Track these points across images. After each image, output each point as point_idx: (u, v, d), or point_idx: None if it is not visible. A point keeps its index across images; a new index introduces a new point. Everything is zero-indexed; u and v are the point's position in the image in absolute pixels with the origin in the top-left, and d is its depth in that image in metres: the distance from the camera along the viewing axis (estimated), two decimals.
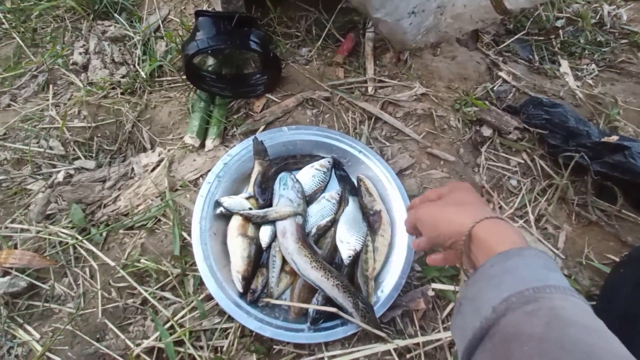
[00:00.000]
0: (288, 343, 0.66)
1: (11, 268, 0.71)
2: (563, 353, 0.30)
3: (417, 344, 0.66)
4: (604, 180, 0.84)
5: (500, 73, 1.04)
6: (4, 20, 1.09)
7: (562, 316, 0.32)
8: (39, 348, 0.65)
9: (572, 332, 0.31)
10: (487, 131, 0.93)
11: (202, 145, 0.87)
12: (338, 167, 0.83)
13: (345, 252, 0.70)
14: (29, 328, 0.67)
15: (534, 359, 0.30)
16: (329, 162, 0.82)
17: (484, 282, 0.39)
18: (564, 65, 1.09)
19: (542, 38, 1.15)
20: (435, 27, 0.89)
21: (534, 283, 0.35)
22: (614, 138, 0.86)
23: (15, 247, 0.74)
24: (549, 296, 0.34)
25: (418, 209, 0.53)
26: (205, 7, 1.11)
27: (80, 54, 1.02)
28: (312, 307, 0.65)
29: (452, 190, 0.53)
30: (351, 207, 0.77)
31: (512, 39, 1.13)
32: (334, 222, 0.76)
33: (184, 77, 0.95)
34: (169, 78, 0.99)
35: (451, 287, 0.72)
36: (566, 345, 0.30)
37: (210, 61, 0.98)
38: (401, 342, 0.65)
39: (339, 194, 0.79)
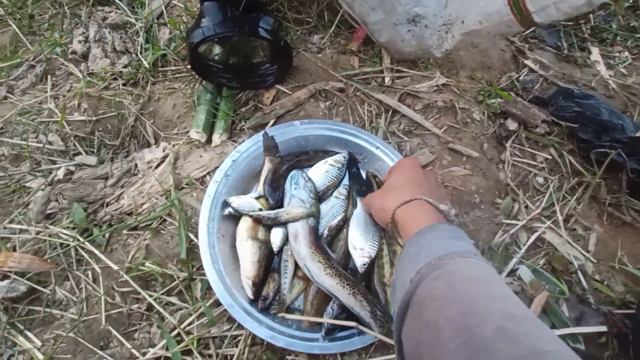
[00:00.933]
0: (301, 353, 0.63)
1: (10, 272, 0.67)
2: (455, 306, 0.35)
3: None
4: (639, 179, 0.78)
5: (526, 61, 0.97)
6: None
7: (457, 277, 0.38)
8: (41, 356, 0.62)
9: (463, 288, 0.36)
10: (512, 124, 0.86)
11: (209, 141, 0.82)
12: (353, 164, 0.78)
13: (360, 259, 0.65)
14: (29, 335, 0.64)
15: (436, 317, 0.35)
16: (344, 157, 0.76)
17: (406, 260, 0.44)
18: (595, 53, 1.02)
19: (570, 23, 1.07)
20: (439, 46, 0.84)
21: (439, 252, 0.41)
22: None
23: (14, 250, 0.70)
24: (449, 261, 0.39)
25: (368, 197, 0.62)
26: None
27: (79, 42, 0.97)
28: (327, 321, 0.60)
29: (391, 172, 0.59)
30: (360, 209, 0.71)
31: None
32: (345, 221, 0.71)
33: (189, 66, 0.90)
34: (173, 68, 0.94)
35: None
36: (458, 299, 0.35)
37: (217, 50, 0.93)
38: None
39: (346, 189, 0.74)
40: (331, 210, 0.73)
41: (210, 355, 0.63)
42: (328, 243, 0.70)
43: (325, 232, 0.70)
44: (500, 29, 0.78)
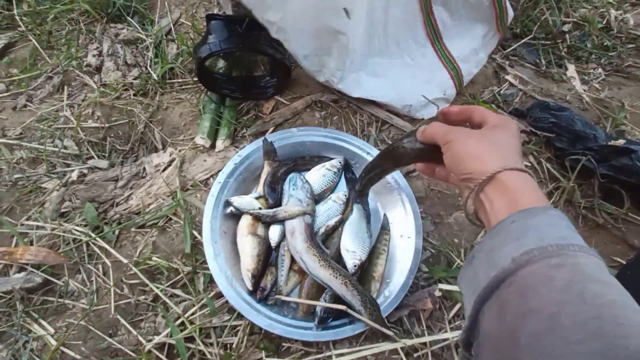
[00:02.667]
0: (297, 341, 0.67)
1: (27, 264, 0.72)
2: (583, 305, 0.30)
3: (424, 344, 0.67)
4: (610, 184, 0.84)
5: (507, 77, 1.05)
6: (20, 23, 1.11)
7: (585, 272, 0.32)
8: (54, 342, 0.66)
9: (594, 287, 0.31)
10: None
11: (213, 146, 0.89)
12: (348, 170, 0.84)
13: (351, 261, 0.70)
14: (43, 323, 0.69)
15: (550, 308, 0.30)
16: (340, 162, 0.83)
17: (503, 236, 0.38)
18: (571, 70, 1.10)
19: (548, 42, 1.15)
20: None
21: (557, 240, 0.35)
22: (620, 142, 0.87)
23: (31, 244, 0.76)
24: (572, 253, 0.34)
25: (452, 132, 0.49)
26: (216, 11, 1.14)
27: (94, 56, 1.05)
28: (321, 305, 0.66)
29: (496, 126, 0.49)
30: (356, 215, 0.77)
31: (518, 43, 1.14)
32: (341, 222, 0.77)
33: (195, 79, 0.97)
34: (180, 80, 1.01)
35: (458, 288, 0.72)
36: (587, 298, 0.30)
37: (221, 64, 1.00)
38: (408, 342, 0.66)
39: (345, 196, 0.80)
40: (327, 212, 0.78)
41: (211, 343, 0.68)
42: (322, 241, 0.75)
43: (322, 230, 0.76)
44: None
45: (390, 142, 0.90)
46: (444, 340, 0.68)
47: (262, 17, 0.80)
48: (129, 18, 1.12)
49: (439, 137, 0.50)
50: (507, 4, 0.92)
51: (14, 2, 1.15)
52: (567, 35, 1.17)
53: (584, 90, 1.05)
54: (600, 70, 1.11)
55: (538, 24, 1.16)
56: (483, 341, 0.35)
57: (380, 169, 0.66)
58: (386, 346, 0.66)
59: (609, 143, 0.87)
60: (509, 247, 0.36)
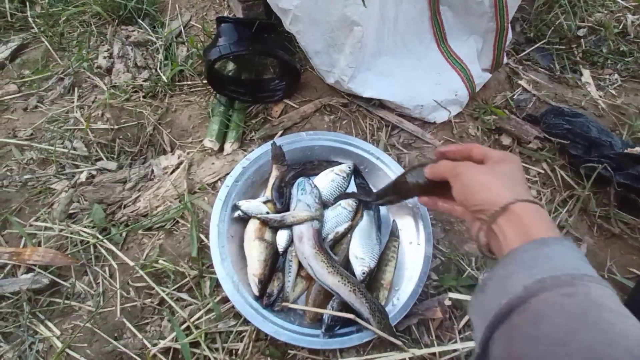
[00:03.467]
0: (303, 348, 0.66)
1: (35, 265, 0.73)
2: (598, 333, 0.30)
3: (433, 354, 0.66)
4: (627, 192, 0.82)
5: (520, 82, 1.03)
6: (33, 25, 1.12)
7: (599, 302, 0.32)
8: (59, 344, 0.66)
9: (609, 316, 0.31)
10: (506, 140, 0.92)
11: (221, 149, 0.88)
12: (358, 176, 0.83)
13: (359, 268, 0.69)
14: (50, 324, 0.69)
15: (562, 335, 0.31)
16: (349, 167, 0.82)
17: (516, 265, 0.39)
18: (586, 75, 1.08)
19: (563, 47, 1.13)
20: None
21: (570, 270, 0.35)
22: (637, 149, 0.84)
23: (39, 245, 0.76)
24: (585, 284, 0.34)
25: (460, 165, 0.51)
26: (226, 14, 1.14)
27: (104, 58, 1.05)
28: (329, 313, 0.64)
29: (502, 160, 0.50)
30: (365, 221, 0.76)
31: (532, 48, 1.12)
32: (350, 229, 0.76)
33: (205, 81, 0.97)
34: (190, 82, 1.01)
35: (468, 297, 0.70)
36: (602, 326, 0.30)
37: (231, 66, 1.00)
38: (417, 352, 0.65)
39: (355, 203, 0.79)
40: (336, 218, 0.77)
41: (217, 349, 0.67)
42: (330, 247, 0.74)
43: (330, 236, 0.75)
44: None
45: (400, 147, 0.89)
46: (454, 351, 0.66)
47: (277, 5, 0.79)
48: (139, 20, 1.13)
49: (447, 172, 0.51)
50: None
51: (27, 4, 1.17)
52: (582, 39, 1.14)
53: (600, 96, 1.03)
54: (616, 75, 1.09)
55: (552, 28, 1.14)
56: None
57: (386, 200, 0.70)
58: (394, 356, 0.65)
59: (626, 151, 0.85)
60: (521, 276, 0.36)
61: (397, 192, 0.65)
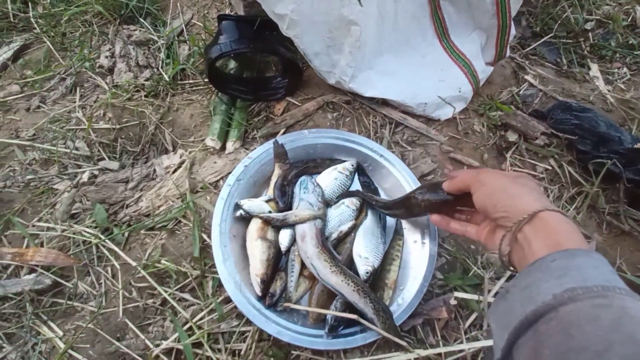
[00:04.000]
0: (306, 349, 0.65)
1: (37, 265, 0.72)
2: (633, 346, 0.29)
3: (439, 355, 0.64)
4: (637, 189, 0.80)
5: (526, 76, 1.02)
6: (35, 25, 1.12)
7: (633, 315, 0.31)
8: (62, 345, 0.66)
9: None
10: (512, 136, 0.90)
11: (223, 148, 0.88)
12: (362, 174, 0.82)
13: (363, 267, 0.68)
14: (52, 325, 0.69)
15: (597, 346, 0.30)
16: (352, 165, 0.81)
17: (543, 273, 0.38)
18: (594, 69, 1.05)
19: (570, 41, 1.11)
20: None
21: (602, 282, 0.34)
22: None
23: (42, 245, 0.76)
24: (619, 296, 0.33)
25: (482, 172, 0.51)
26: (227, 12, 1.13)
27: (106, 57, 1.05)
28: (332, 313, 0.63)
29: (520, 176, 0.51)
30: (369, 220, 0.75)
31: (538, 42, 1.10)
32: (354, 227, 0.75)
33: (206, 80, 0.96)
34: (191, 81, 1.01)
35: (474, 297, 0.69)
36: (637, 340, 0.29)
37: (232, 64, 0.99)
38: (422, 352, 0.63)
39: (359, 201, 0.78)
40: (340, 217, 0.76)
41: (219, 350, 0.66)
42: (334, 246, 0.73)
43: (334, 235, 0.74)
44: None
45: (404, 145, 0.88)
46: (460, 351, 0.65)
47: (273, 11, 0.78)
48: (141, 19, 1.12)
49: (470, 179, 0.52)
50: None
51: (29, 4, 1.17)
52: (589, 33, 1.12)
53: (608, 91, 1.01)
54: (625, 69, 1.06)
55: (559, 21, 1.12)
56: None
57: (393, 213, 0.73)
58: (399, 356, 0.64)
59: (635, 146, 0.83)
60: (550, 284, 0.36)
61: (407, 207, 0.66)
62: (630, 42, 1.11)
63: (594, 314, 0.32)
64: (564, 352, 0.31)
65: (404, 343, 0.62)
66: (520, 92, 0.98)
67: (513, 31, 0.87)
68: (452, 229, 0.59)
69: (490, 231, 0.53)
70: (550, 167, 0.88)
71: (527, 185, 0.48)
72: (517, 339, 0.35)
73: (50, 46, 1.07)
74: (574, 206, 0.82)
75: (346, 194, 0.78)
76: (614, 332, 0.30)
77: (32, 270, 0.73)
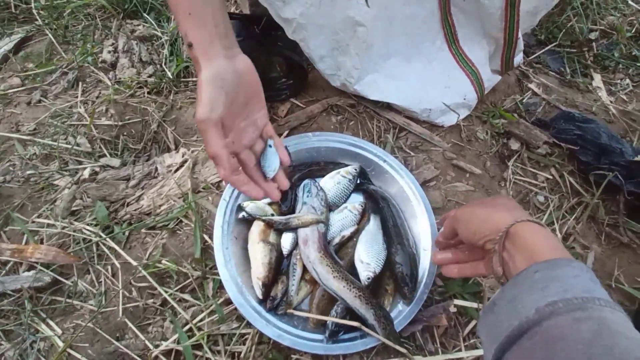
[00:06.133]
0: (306, 353, 0.65)
1: (37, 263, 0.72)
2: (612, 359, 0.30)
3: None
4: (637, 201, 0.81)
5: (530, 85, 1.02)
6: (37, 17, 1.11)
7: (611, 327, 0.33)
8: (61, 344, 0.66)
9: (622, 343, 0.31)
10: (515, 144, 0.90)
11: None
12: (365, 178, 0.82)
13: (365, 273, 0.68)
14: (51, 323, 0.68)
15: None
16: (355, 169, 0.81)
17: (526, 285, 0.39)
18: (597, 79, 1.06)
19: (574, 50, 1.11)
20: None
21: (582, 293, 0.36)
22: None
23: (42, 242, 0.75)
24: (597, 307, 0.34)
25: (458, 209, 0.54)
26: (232, 9, 1.12)
27: (109, 52, 1.04)
28: (333, 320, 0.64)
29: (489, 198, 0.56)
30: (372, 226, 0.75)
31: (542, 50, 1.10)
32: (356, 233, 0.75)
33: None
34: (195, 79, 1.00)
35: (474, 304, 0.70)
36: (615, 353, 0.30)
37: None
38: (421, 359, 0.64)
39: (362, 206, 0.78)
40: (342, 221, 0.76)
41: (219, 352, 0.66)
42: (335, 251, 0.73)
43: (336, 240, 0.74)
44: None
45: (407, 150, 0.88)
46: (459, 359, 0.66)
47: (279, 15, 0.78)
48: (145, 14, 1.11)
49: (451, 222, 0.55)
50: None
51: None
52: (593, 43, 1.12)
53: (611, 102, 1.01)
54: (628, 80, 1.07)
55: (564, 30, 1.12)
56: None
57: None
58: None
59: (636, 158, 0.83)
60: (533, 297, 0.37)
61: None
62: (633, 53, 1.12)
63: (574, 328, 0.33)
64: None
65: (404, 350, 0.63)
66: (524, 101, 0.99)
67: (521, 46, 0.87)
68: (467, 274, 0.58)
69: (489, 260, 0.53)
70: (551, 177, 0.88)
71: (495, 203, 0.51)
72: (504, 353, 0.36)
73: (52, 39, 1.06)
74: (573, 216, 0.83)
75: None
76: (594, 346, 0.31)
77: (31, 267, 0.72)
